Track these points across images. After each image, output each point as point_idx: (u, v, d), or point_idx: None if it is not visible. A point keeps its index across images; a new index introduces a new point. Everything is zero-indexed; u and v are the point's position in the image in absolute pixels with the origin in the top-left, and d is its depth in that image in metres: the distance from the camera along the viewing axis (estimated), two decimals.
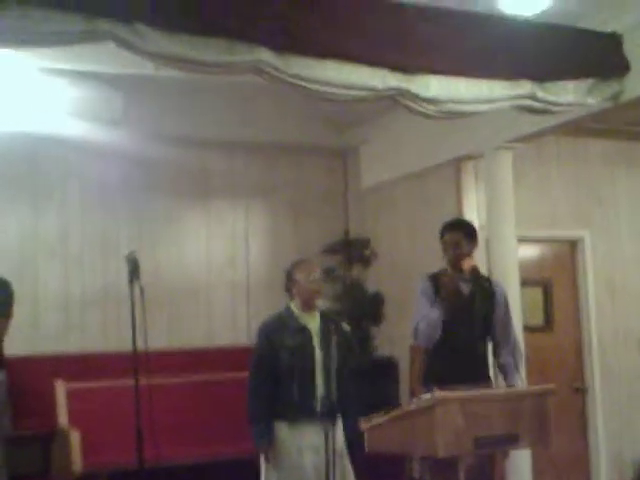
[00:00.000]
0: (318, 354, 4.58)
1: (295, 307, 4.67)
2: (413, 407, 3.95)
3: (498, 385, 4.84)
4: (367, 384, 6.30)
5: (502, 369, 4.77)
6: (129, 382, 4.48)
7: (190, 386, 6.25)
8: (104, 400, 5.91)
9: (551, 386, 4.26)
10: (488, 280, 4.85)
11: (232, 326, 7.24)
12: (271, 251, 7.50)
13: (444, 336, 4.58)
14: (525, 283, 6.23)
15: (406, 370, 6.66)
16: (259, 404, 4.55)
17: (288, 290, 4.72)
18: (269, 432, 4.51)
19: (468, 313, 4.65)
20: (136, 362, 4.40)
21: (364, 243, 7.56)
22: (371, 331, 7.40)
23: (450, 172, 6.79)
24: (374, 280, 7.55)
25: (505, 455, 4.47)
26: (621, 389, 7.21)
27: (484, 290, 4.71)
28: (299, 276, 4.64)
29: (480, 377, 4.62)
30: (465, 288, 4.70)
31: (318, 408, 4.52)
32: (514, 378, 4.70)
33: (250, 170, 7.55)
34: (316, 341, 4.60)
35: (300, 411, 4.51)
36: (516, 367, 4.75)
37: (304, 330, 4.61)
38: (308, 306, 4.65)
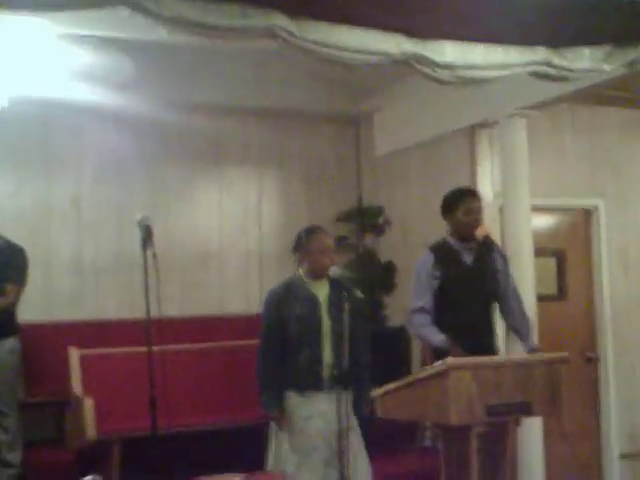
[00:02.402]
0: (326, 322, 4.55)
1: (304, 275, 4.64)
2: (425, 374, 3.95)
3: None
4: (378, 353, 6.30)
5: (517, 332, 4.80)
6: (142, 349, 4.49)
7: (202, 353, 6.26)
8: (117, 367, 5.92)
9: (564, 354, 4.25)
10: (497, 248, 4.84)
11: (244, 294, 7.25)
12: (284, 219, 7.48)
13: (449, 308, 4.58)
14: (539, 252, 6.20)
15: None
16: (268, 372, 4.55)
17: (298, 257, 4.67)
18: (279, 400, 4.52)
19: (472, 284, 4.66)
20: (149, 329, 4.40)
21: (377, 211, 7.52)
22: (383, 300, 7.40)
23: (464, 140, 6.75)
24: (387, 249, 7.53)
25: (517, 424, 4.46)
26: (634, 359, 7.20)
27: (488, 259, 4.72)
28: (311, 245, 4.59)
29: (487, 349, 4.63)
30: (469, 258, 4.71)
31: (326, 376, 4.51)
32: (530, 338, 4.72)
33: (263, 137, 7.51)
34: (324, 309, 4.57)
35: (308, 379, 4.50)
36: (529, 332, 4.77)
37: (312, 298, 4.58)
38: (317, 275, 4.62)
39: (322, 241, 4.62)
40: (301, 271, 4.66)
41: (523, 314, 4.83)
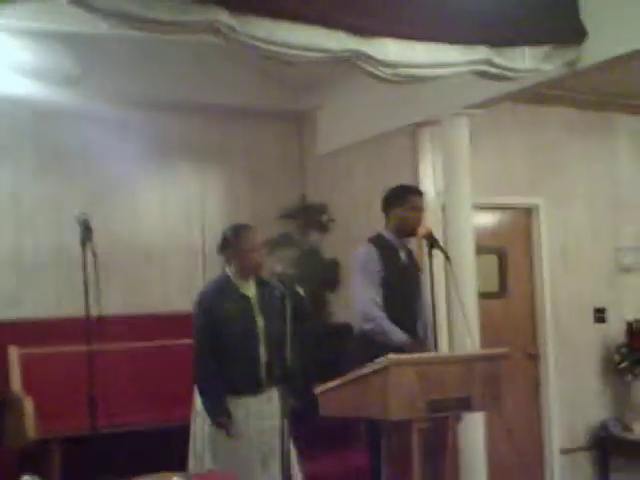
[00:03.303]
0: (260, 322, 4.52)
1: (233, 274, 4.57)
2: (367, 370, 3.96)
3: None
4: (323, 350, 6.31)
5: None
6: (82, 348, 4.43)
7: (145, 351, 6.20)
8: (58, 366, 5.84)
9: (504, 350, 4.29)
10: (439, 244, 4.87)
11: (187, 291, 7.13)
12: (227, 216, 7.42)
13: (388, 302, 4.62)
14: (480, 250, 6.27)
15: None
16: (207, 377, 4.44)
17: (225, 256, 4.58)
18: (223, 405, 4.41)
19: (407, 280, 4.70)
20: (89, 327, 4.35)
21: (321, 209, 7.53)
22: (327, 297, 7.41)
23: (407, 138, 6.79)
24: (331, 246, 7.54)
25: (458, 419, 4.50)
26: (574, 355, 7.32)
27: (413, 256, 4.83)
28: (240, 243, 4.52)
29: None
30: (403, 254, 4.75)
31: (262, 376, 4.47)
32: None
33: (206, 133, 7.46)
34: (256, 309, 4.53)
35: (244, 380, 4.45)
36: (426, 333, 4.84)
37: (244, 298, 4.52)
38: (246, 274, 4.56)
39: (252, 239, 4.56)
40: (229, 271, 4.59)
41: (427, 319, 4.87)
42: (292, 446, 4.47)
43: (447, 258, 4.76)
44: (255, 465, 4.43)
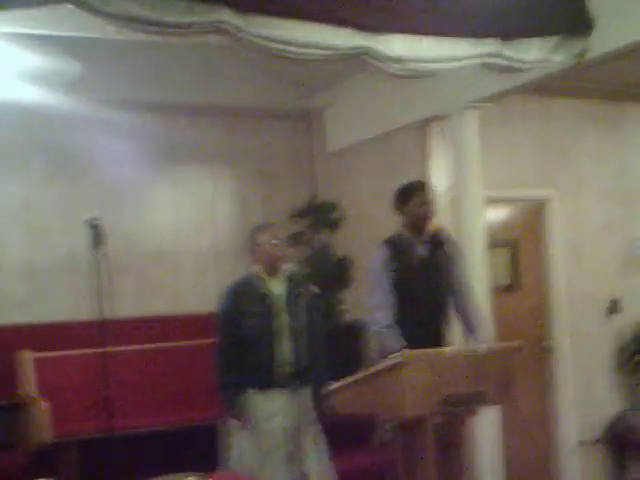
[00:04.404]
0: (284, 319, 4.56)
1: (260, 271, 4.64)
2: (381, 367, 3.96)
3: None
4: (336, 348, 6.31)
5: (467, 326, 4.78)
6: (97, 350, 4.45)
7: (157, 353, 6.21)
8: (73, 369, 5.86)
9: (517, 343, 4.28)
10: (450, 240, 4.85)
11: (200, 293, 7.18)
12: (238, 216, 7.44)
13: (404, 302, 4.58)
14: (492, 244, 6.25)
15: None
16: (227, 370, 4.54)
17: (252, 254, 4.69)
18: (240, 398, 4.50)
19: (426, 277, 4.67)
20: (103, 330, 4.36)
21: (331, 207, 7.51)
22: (339, 295, 7.40)
23: (417, 133, 6.77)
24: (342, 244, 7.52)
25: (473, 414, 4.49)
26: (588, 348, 7.28)
27: (441, 251, 4.74)
28: (262, 240, 4.62)
29: (441, 343, 4.64)
30: (423, 251, 4.72)
31: (286, 373, 4.52)
32: (481, 332, 4.72)
33: (215, 135, 7.45)
34: (282, 305, 4.58)
35: (268, 377, 4.50)
36: (480, 324, 4.77)
37: (269, 295, 4.59)
38: (272, 270, 4.62)
39: (272, 234, 4.66)
40: (256, 268, 4.66)
41: (474, 308, 4.81)
42: (324, 444, 4.53)
43: (458, 252, 4.79)
44: (280, 462, 4.46)
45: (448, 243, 4.82)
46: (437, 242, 4.75)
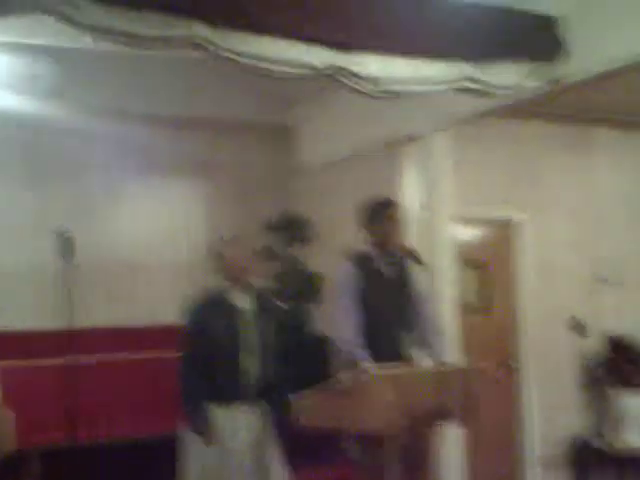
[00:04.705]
0: (250, 333, 4.54)
1: (226, 285, 4.63)
2: (347, 383, 3.98)
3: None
4: (304, 363, 6.32)
5: (428, 346, 4.76)
6: (63, 361, 4.43)
7: (127, 363, 6.20)
8: (38, 379, 5.81)
9: (482, 365, 4.33)
10: (414, 258, 4.86)
11: (173, 304, 7.14)
12: (212, 228, 7.43)
13: (369, 319, 4.60)
14: (462, 263, 6.30)
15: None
16: (192, 385, 4.45)
17: (217, 268, 4.65)
18: (205, 413, 4.43)
19: (391, 295, 4.70)
20: (70, 340, 4.35)
21: (304, 222, 7.54)
22: (309, 310, 7.42)
23: (391, 153, 6.81)
24: (313, 259, 7.55)
25: (436, 432, 4.52)
26: (553, 368, 7.34)
27: (406, 270, 4.77)
28: (228, 253, 4.58)
29: (406, 361, 4.67)
30: (387, 269, 4.75)
31: (251, 388, 4.50)
32: (440, 353, 4.72)
33: (191, 146, 7.46)
34: (248, 320, 4.55)
35: (232, 391, 4.46)
36: (438, 345, 4.78)
37: (235, 309, 4.55)
38: (238, 284, 4.60)
39: (238, 246, 4.62)
40: (222, 282, 4.64)
41: (436, 328, 4.83)
42: (279, 458, 4.52)
43: (426, 271, 4.80)
44: (243, 478, 4.44)
45: (411, 261, 4.84)
46: (401, 260, 4.78)
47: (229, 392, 4.47)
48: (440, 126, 5.98)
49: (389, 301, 4.68)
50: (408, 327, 4.76)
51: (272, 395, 4.49)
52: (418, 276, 4.84)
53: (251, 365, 4.50)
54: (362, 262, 4.72)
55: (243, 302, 4.58)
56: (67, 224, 4.45)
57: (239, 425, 4.46)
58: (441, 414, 4.13)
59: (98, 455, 5.19)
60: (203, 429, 4.41)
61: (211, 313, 4.51)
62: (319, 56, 4.07)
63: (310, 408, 4.18)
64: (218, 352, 4.46)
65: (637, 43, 4.57)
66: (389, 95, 4.54)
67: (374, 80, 4.34)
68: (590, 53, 4.82)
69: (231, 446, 4.44)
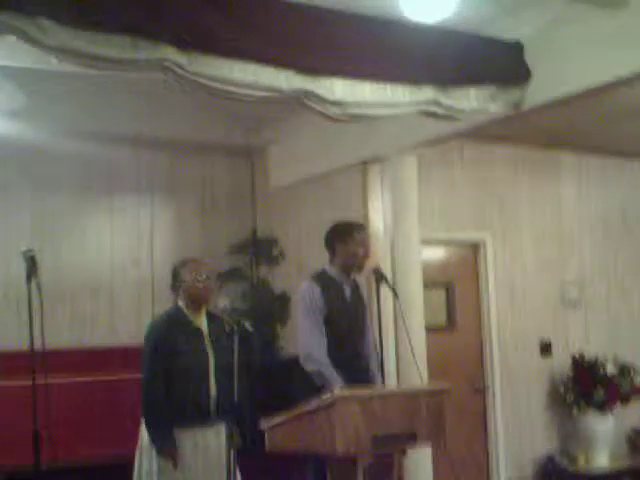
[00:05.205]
0: (210, 355, 4.53)
1: (183, 307, 4.60)
2: (313, 405, 3.98)
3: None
4: (272, 384, 6.31)
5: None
6: (27, 382, 4.37)
7: (91, 385, 6.14)
8: (1, 400, 5.76)
9: (446, 385, 4.34)
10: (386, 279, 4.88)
11: (136, 325, 7.14)
12: (177, 249, 7.40)
13: (332, 341, 4.63)
14: (428, 285, 6.34)
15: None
16: (155, 408, 4.43)
17: (175, 289, 4.65)
18: (170, 435, 4.40)
19: (351, 317, 4.74)
20: (33, 361, 4.29)
21: (271, 243, 7.55)
22: (277, 331, 7.41)
23: (357, 174, 6.86)
24: (280, 280, 7.56)
25: (403, 454, 4.52)
26: (520, 389, 7.40)
27: (360, 293, 4.88)
28: (186, 275, 4.57)
29: (369, 381, 4.73)
30: (347, 291, 4.78)
31: (211, 410, 4.48)
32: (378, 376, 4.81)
33: (156, 167, 7.46)
34: (207, 341, 4.55)
35: (193, 413, 4.44)
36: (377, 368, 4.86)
37: (195, 330, 4.55)
38: (196, 306, 4.59)
39: (196, 269, 4.60)
40: (180, 303, 4.62)
41: (372, 352, 4.90)
42: None
43: (394, 293, 4.81)
44: None
45: (360, 286, 4.90)
46: (355, 283, 4.84)
47: (189, 413, 4.44)
48: (406, 149, 6.02)
49: (350, 323, 4.73)
50: (364, 350, 4.82)
51: (235, 417, 4.46)
52: (365, 301, 4.90)
53: (211, 386, 4.48)
54: (327, 283, 4.74)
55: (201, 323, 4.57)
56: (31, 244, 4.38)
57: (198, 445, 4.43)
58: (407, 437, 4.13)
59: (62, 478, 5.14)
60: (168, 451, 4.39)
61: (170, 334, 4.49)
62: (286, 80, 4.08)
63: (277, 432, 4.17)
64: (177, 373, 4.44)
65: (595, 69, 4.67)
66: (354, 118, 4.57)
67: (339, 104, 4.36)
68: (552, 78, 4.90)
69: (192, 468, 4.41)
